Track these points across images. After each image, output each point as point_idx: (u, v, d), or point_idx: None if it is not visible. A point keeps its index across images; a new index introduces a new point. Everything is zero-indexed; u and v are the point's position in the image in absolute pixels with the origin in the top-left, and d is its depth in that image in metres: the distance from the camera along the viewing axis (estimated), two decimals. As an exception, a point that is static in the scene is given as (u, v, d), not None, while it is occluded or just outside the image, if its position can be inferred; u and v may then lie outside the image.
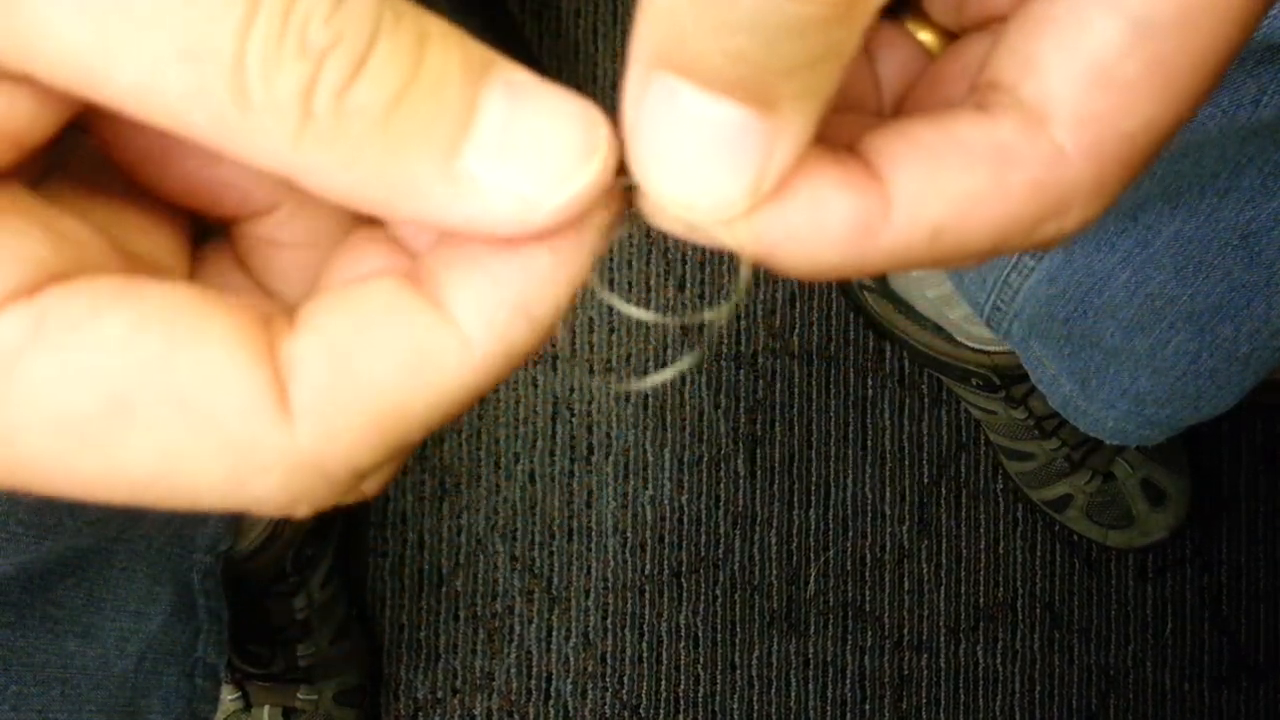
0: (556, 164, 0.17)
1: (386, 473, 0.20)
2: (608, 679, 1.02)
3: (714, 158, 0.17)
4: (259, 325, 0.17)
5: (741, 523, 1.03)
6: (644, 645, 1.02)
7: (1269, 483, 1.06)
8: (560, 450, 1.02)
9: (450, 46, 0.16)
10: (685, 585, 1.02)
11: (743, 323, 1.04)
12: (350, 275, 0.20)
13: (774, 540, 1.03)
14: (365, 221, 0.21)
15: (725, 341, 1.04)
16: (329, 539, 0.95)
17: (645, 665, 1.02)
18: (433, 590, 1.02)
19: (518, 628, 1.01)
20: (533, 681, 1.01)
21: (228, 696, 0.92)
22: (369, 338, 0.17)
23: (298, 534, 0.91)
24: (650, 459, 1.03)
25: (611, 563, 1.02)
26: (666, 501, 1.03)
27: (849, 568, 1.03)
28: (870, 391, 1.05)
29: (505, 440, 1.02)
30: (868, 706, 1.03)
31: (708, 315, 0.23)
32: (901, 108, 0.23)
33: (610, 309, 1.02)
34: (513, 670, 1.01)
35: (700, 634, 1.02)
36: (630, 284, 1.03)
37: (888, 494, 1.04)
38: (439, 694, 1.01)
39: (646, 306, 1.04)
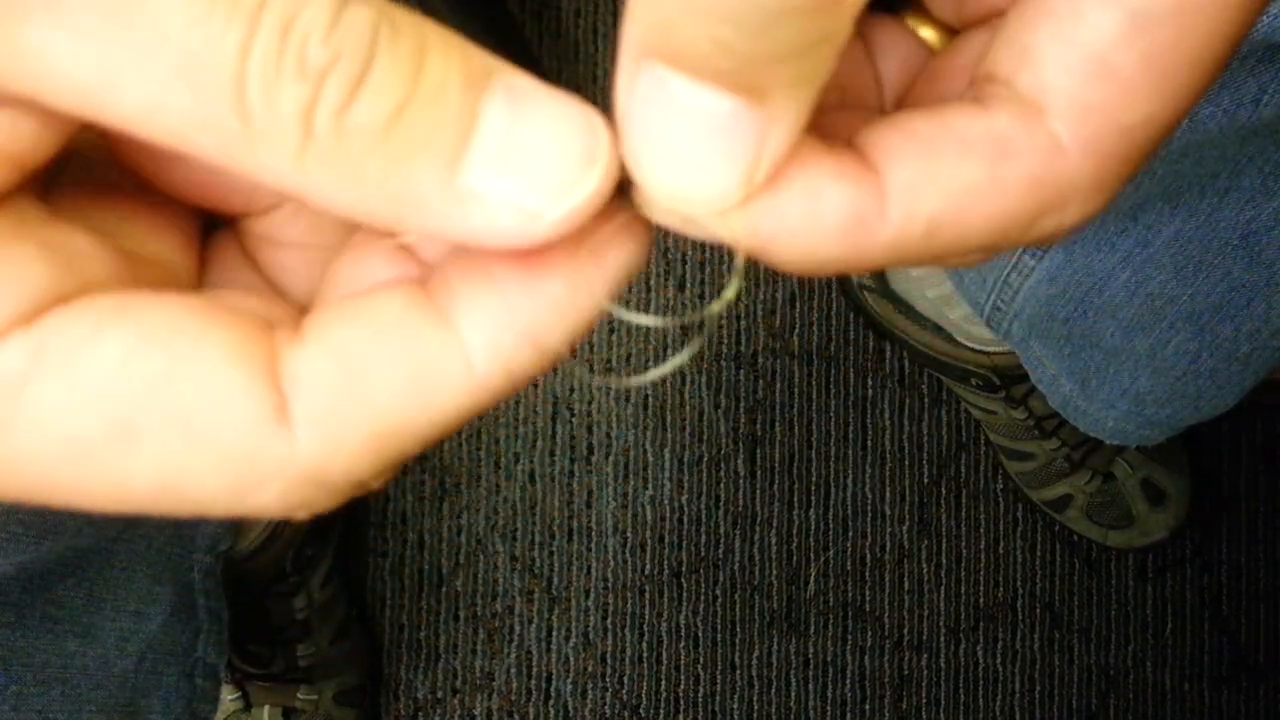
0: (557, 174, 0.17)
1: (386, 476, 0.20)
2: (608, 679, 1.02)
3: (706, 148, 0.17)
4: (260, 335, 0.17)
5: (741, 523, 1.03)
6: (644, 645, 1.02)
7: (1269, 483, 1.06)
8: (560, 450, 1.02)
9: (450, 56, 0.16)
10: (685, 585, 1.02)
11: (743, 323, 1.04)
12: (355, 277, 0.20)
13: (774, 540, 1.03)
14: None
15: (725, 341, 1.04)
16: (329, 539, 0.95)
17: (645, 665, 1.02)
18: (433, 590, 1.02)
19: (518, 628, 1.01)
20: (533, 681, 1.01)
21: (228, 696, 0.92)
22: (374, 355, 0.17)
23: (298, 534, 0.91)
24: (650, 459, 1.03)
25: (611, 563, 1.02)
26: (666, 501, 1.03)
27: (849, 568, 1.03)
28: (870, 391, 1.05)
29: (505, 440, 1.02)
30: (868, 706, 1.03)
31: (705, 310, 0.23)
32: (903, 105, 0.23)
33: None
34: (513, 670, 1.01)
35: (700, 634, 1.02)
36: (630, 284, 1.03)
37: (888, 494, 1.04)
38: (439, 694, 1.01)
39: (646, 307, 1.04)
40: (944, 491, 1.05)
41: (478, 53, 0.17)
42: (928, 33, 0.23)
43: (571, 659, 1.02)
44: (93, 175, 0.20)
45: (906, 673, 1.03)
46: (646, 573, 1.02)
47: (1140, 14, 0.18)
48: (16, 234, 0.17)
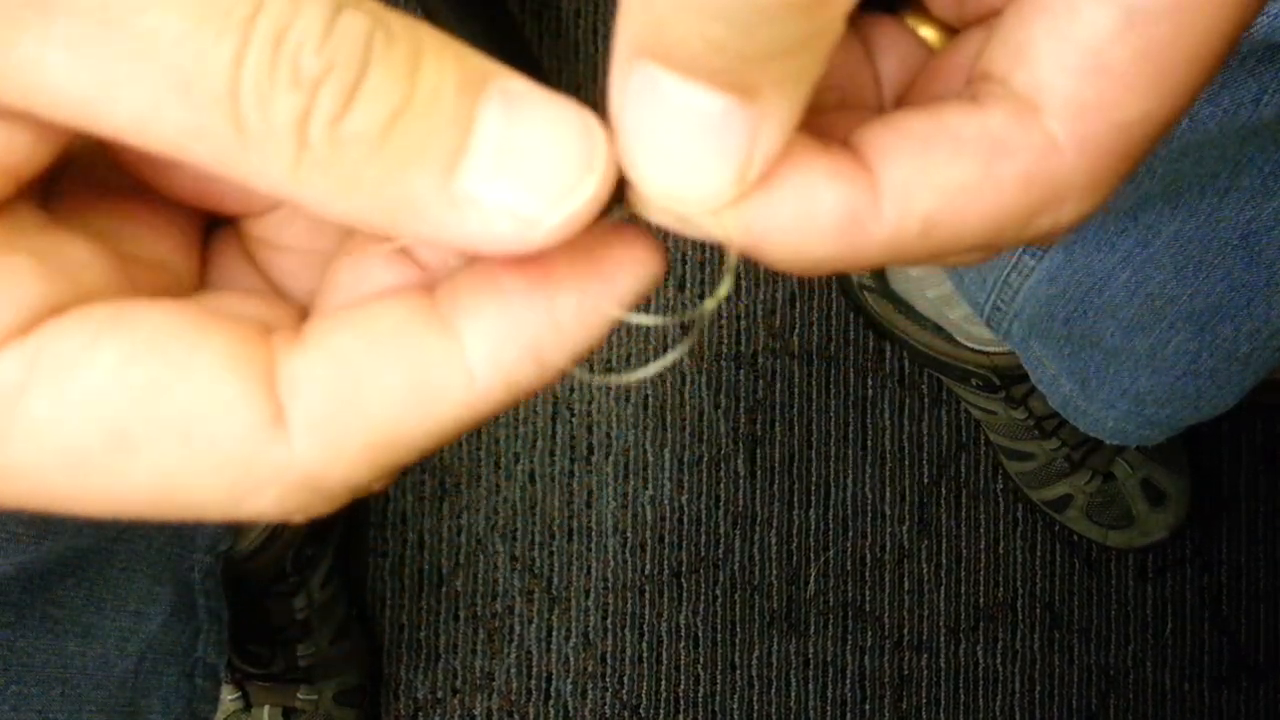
0: (554, 181, 0.16)
1: (385, 481, 0.20)
2: (608, 679, 1.02)
3: (698, 146, 0.17)
4: (257, 340, 0.17)
5: (741, 523, 1.03)
6: (644, 645, 1.02)
7: (1269, 483, 1.06)
8: (560, 450, 1.02)
9: (445, 60, 0.16)
10: (685, 585, 1.02)
11: (743, 323, 1.04)
12: (353, 281, 0.20)
13: (774, 540, 1.03)
14: None
15: (725, 341, 1.04)
16: (329, 539, 0.95)
17: (645, 665, 1.02)
18: (433, 590, 1.02)
19: (518, 628, 1.01)
20: (533, 681, 1.01)
21: (228, 696, 0.92)
22: (373, 363, 0.17)
23: (298, 534, 0.91)
24: (650, 459, 1.03)
25: (611, 563, 1.02)
26: (666, 501, 1.03)
27: (849, 568, 1.03)
28: (870, 391, 1.05)
29: (505, 440, 1.02)
30: (868, 706, 1.03)
31: (699, 309, 0.23)
32: (902, 105, 0.23)
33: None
34: (513, 670, 1.01)
35: (700, 634, 1.02)
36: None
37: (888, 494, 1.04)
38: (439, 694, 1.01)
39: (647, 306, 1.04)
40: (944, 491, 1.05)
41: (473, 56, 0.17)
42: (928, 32, 0.23)
43: (571, 659, 1.02)
44: (93, 179, 0.20)
45: (906, 673, 1.03)
46: (646, 573, 1.02)
47: (1136, 10, 0.18)
48: (12, 244, 0.17)
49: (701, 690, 1.02)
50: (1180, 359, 0.59)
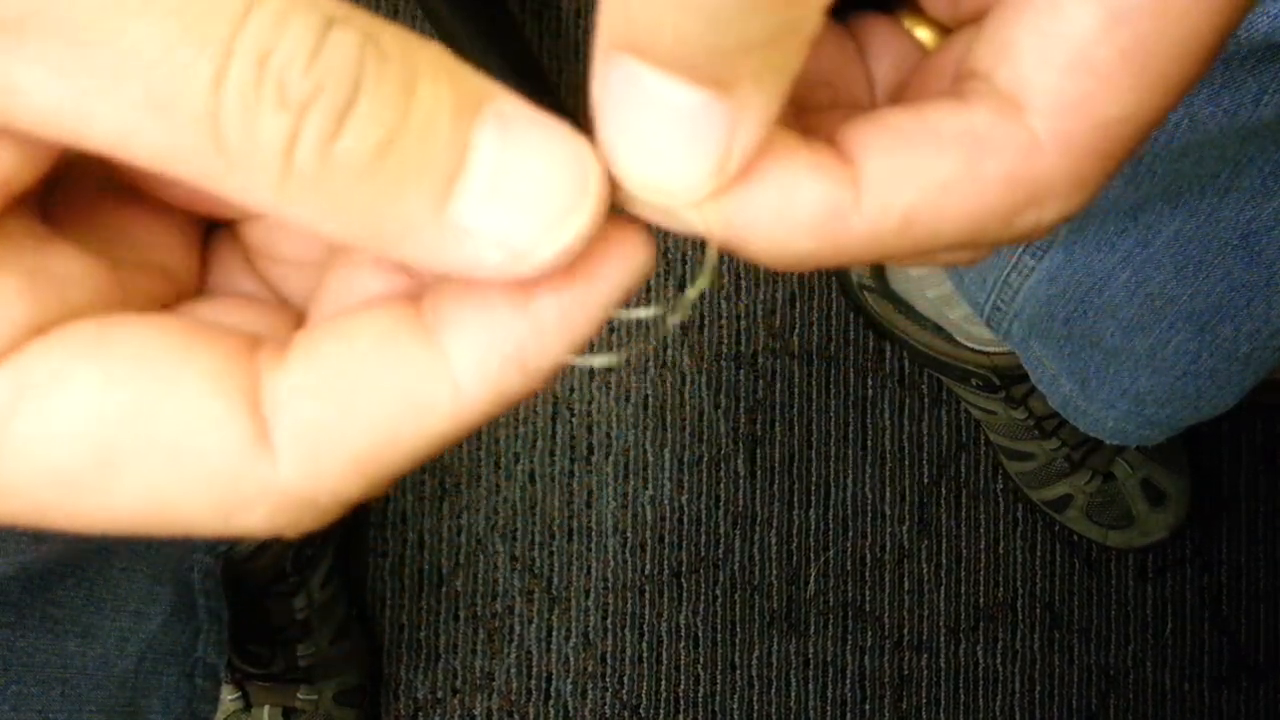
0: (545, 215, 0.16)
1: (378, 492, 0.20)
2: (608, 679, 1.02)
3: (676, 139, 0.17)
4: (243, 356, 0.17)
5: (741, 523, 1.03)
6: (644, 645, 1.02)
7: (1269, 483, 1.06)
8: (560, 450, 1.02)
9: (440, 82, 0.16)
10: (685, 585, 1.02)
11: (743, 323, 1.04)
12: (347, 288, 0.20)
13: (774, 540, 1.03)
14: None
15: (725, 341, 1.04)
16: (329, 539, 0.95)
17: (645, 665, 1.02)
18: (433, 590, 1.02)
19: (518, 628, 1.01)
20: (533, 681, 1.01)
21: (228, 696, 0.92)
22: (358, 377, 0.17)
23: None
24: (650, 459, 1.03)
25: (611, 563, 1.02)
26: (666, 501, 1.03)
27: (849, 568, 1.03)
28: (870, 391, 1.05)
29: (505, 440, 1.02)
30: (868, 706, 1.03)
31: (684, 297, 0.23)
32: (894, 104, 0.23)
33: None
34: (513, 670, 1.01)
35: (700, 634, 1.02)
36: (637, 290, 1.03)
37: (888, 494, 1.04)
38: (439, 694, 1.01)
39: (647, 306, 1.04)
40: (944, 491, 1.05)
41: (468, 75, 0.16)
42: (923, 33, 0.23)
43: (571, 659, 1.01)
44: (90, 184, 0.20)
45: (906, 673, 1.03)
46: (646, 573, 1.02)
47: (1119, 8, 0.18)
48: (1, 261, 0.17)
49: (701, 690, 1.02)
50: (1180, 359, 0.59)
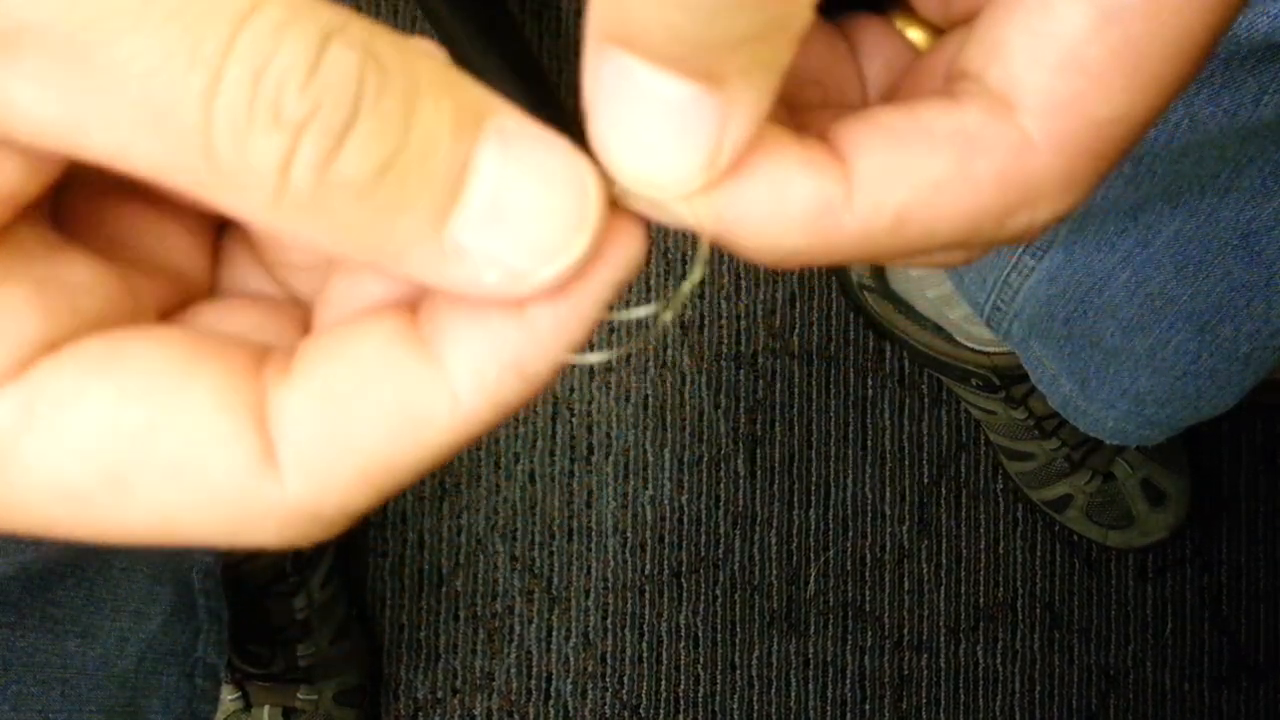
0: (545, 238, 0.16)
1: (383, 502, 0.20)
2: (608, 679, 1.02)
3: (667, 133, 0.17)
4: (249, 371, 0.17)
5: (741, 523, 1.03)
6: (644, 645, 1.02)
7: (1269, 483, 1.06)
8: (560, 450, 1.02)
9: (441, 99, 0.16)
10: (685, 585, 1.02)
11: (743, 323, 1.04)
12: (349, 292, 0.20)
13: (774, 540, 1.03)
14: None
15: (725, 341, 1.04)
16: (329, 539, 0.95)
17: (645, 665, 1.02)
18: (433, 590, 1.02)
19: (518, 628, 1.01)
20: (533, 681, 1.01)
21: (228, 696, 0.92)
22: (358, 394, 0.17)
23: (297, 534, 0.91)
24: (650, 459, 1.03)
25: (611, 563, 1.02)
26: (666, 501, 1.03)
27: (849, 568, 1.03)
28: (870, 391, 1.05)
29: (505, 440, 1.02)
30: (868, 706, 1.03)
31: (677, 291, 0.23)
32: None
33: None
34: (513, 670, 1.01)
35: (700, 634, 1.02)
36: (630, 283, 1.03)
37: (888, 494, 1.04)
38: (439, 694, 1.01)
39: (644, 305, 1.04)
40: (944, 491, 1.05)
41: (468, 87, 0.16)
42: (915, 33, 0.23)
43: (571, 659, 1.02)
44: (99, 187, 0.20)
45: (906, 673, 1.03)
46: (646, 573, 1.02)
47: (1110, 7, 0.18)
48: (11, 273, 0.17)
49: (701, 690, 1.02)
50: (1180, 359, 0.59)
